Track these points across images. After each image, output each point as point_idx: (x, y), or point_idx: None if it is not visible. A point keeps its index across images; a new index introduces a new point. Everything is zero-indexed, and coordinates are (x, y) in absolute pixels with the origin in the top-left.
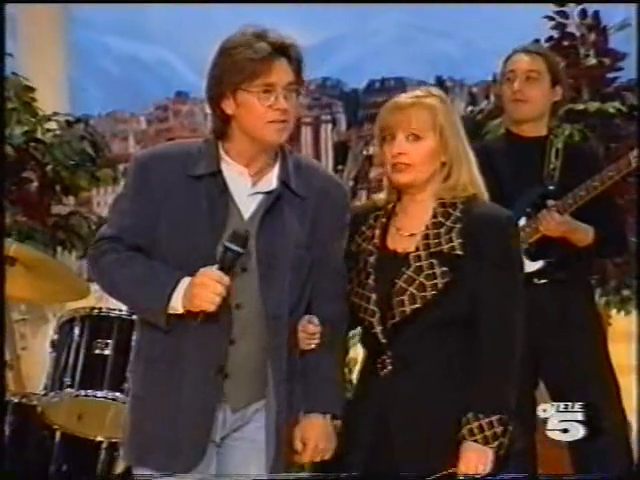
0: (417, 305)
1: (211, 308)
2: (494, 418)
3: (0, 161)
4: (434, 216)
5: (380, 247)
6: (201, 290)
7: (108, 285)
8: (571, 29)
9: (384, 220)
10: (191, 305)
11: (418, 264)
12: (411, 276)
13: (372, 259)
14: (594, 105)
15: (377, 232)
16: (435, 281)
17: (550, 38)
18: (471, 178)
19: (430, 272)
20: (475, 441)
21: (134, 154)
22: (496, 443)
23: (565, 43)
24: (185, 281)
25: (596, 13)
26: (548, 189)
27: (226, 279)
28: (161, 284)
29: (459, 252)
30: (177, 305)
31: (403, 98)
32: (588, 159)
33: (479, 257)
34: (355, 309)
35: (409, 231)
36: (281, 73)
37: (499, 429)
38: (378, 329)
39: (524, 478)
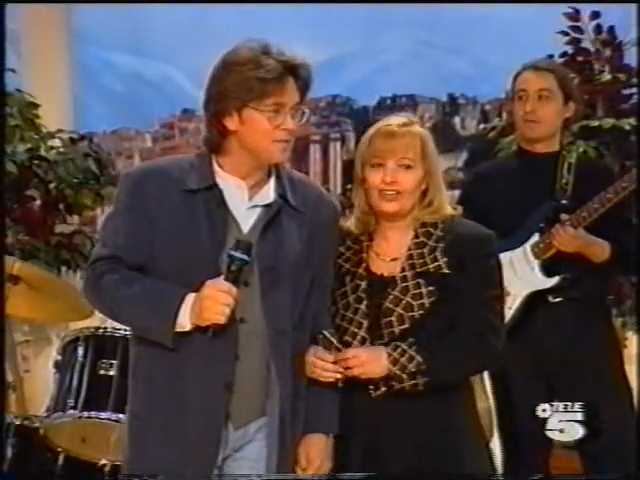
0: (405, 325)
1: (222, 320)
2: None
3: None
4: (416, 236)
5: (368, 271)
6: (210, 302)
7: (109, 307)
8: (586, 44)
9: (368, 244)
10: (200, 319)
11: (404, 284)
12: (397, 296)
13: (364, 284)
14: (609, 122)
15: (364, 256)
16: (422, 301)
17: (564, 54)
18: (447, 201)
19: (417, 292)
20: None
21: (124, 171)
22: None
23: (579, 59)
24: (190, 297)
25: (611, 28)
26: (561, 203)
27: (234, 290)
28: (166, 302)
29: (446, 270)
30: (184, 322)
31: (395, 126)
32: (601, 173)
33: (463, 274)
34: (341, 332)
35: (391, 256)
36: (291, 93)
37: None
38: None
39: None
